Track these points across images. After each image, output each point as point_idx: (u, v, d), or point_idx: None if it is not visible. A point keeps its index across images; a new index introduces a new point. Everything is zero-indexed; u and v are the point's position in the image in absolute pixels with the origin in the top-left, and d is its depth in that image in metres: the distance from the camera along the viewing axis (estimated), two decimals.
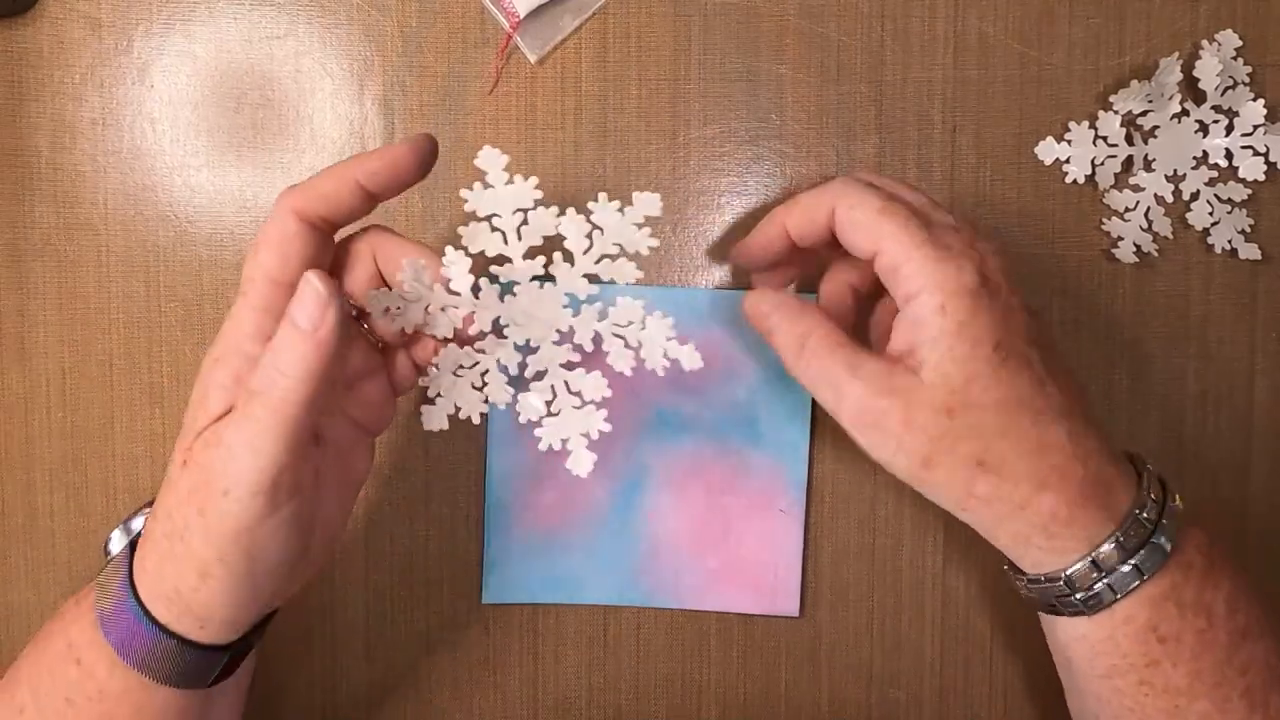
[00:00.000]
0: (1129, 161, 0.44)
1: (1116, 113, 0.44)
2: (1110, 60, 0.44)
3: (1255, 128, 0.43)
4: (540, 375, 0.37)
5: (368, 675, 0.46)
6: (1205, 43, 0.44)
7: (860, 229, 0.36)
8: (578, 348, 0.37)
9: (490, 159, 0.35)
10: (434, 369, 0.37)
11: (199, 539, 0.32)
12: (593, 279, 0.36)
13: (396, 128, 0.45)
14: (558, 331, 0.36)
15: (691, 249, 0.45)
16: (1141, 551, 0.35)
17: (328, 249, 0.35)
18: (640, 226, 0.36)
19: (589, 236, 0.36)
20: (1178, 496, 0.37)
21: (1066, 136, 0.44)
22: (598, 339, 0.37)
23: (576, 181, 0.45)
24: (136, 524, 0.40)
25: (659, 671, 0.46)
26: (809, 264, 0.42)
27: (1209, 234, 0.44)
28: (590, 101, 0.45)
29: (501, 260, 0.36)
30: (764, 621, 0.46)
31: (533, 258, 0.36)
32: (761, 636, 0.46)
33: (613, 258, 0.36)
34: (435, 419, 0.37)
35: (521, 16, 0.43)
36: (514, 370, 0.37)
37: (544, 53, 0.44)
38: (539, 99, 0.45)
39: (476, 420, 0.37)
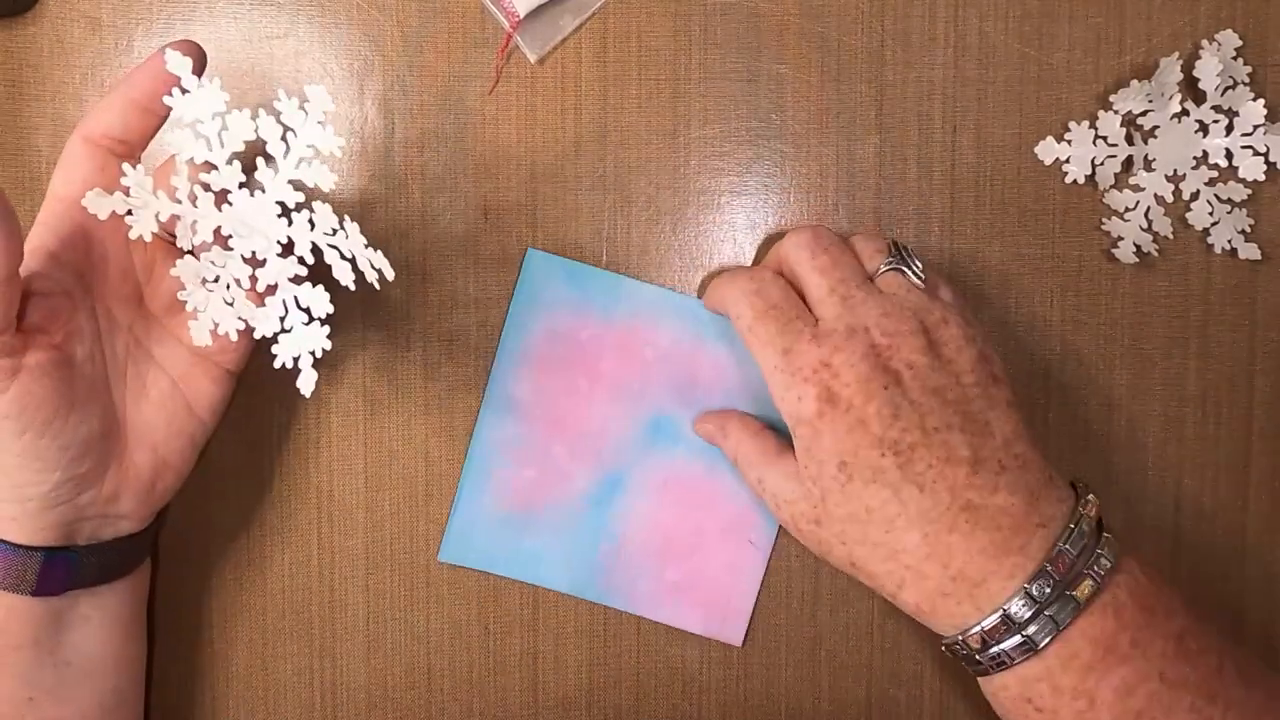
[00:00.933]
0: (1129, 161, 0.44)
1: (1116, 113, 0.44)
2: (1110, 60, 0.44)
3: (1255, 128, 0.43)
4: (272, 290, 0.36)
5: (368, 675, 0.46)
6: (1205, 43, 0.44)
7: (740, 336, 0.40)
8: (301, 260, 0.36)
9: (177, 62, 0.34)
10: (181, 266, 0.37)
11: (13, 448, 0.35)
12: (298, 186, 0.35)
13: (396, 128, 0.45)
14: (279, 244, 0.36)
15: (691, 249, 0.45)
16: (1007, 642, 0.36)
17: (111, 167, 0.37)
18: (322, 124, 0.35)
19: (284, 139, 0.35)
20: (1085, 584, 0.36)
21: (1066, 136, 0.44)
22: (317, 251, 0.36)
23: (576, 181, 0.45)
24: None
25: (659, 671, 0.46)
26: None
27: (1209, 234, 0.44)
28: (590, 101, 0.45)
29: (209, 167, 0.35)
30: (765, 622, 0.46)
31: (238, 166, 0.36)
32: (762, 636, 0.46)
33: (309, 162, 0.35)
34: (200, 334, 0.37)
35: (521, 16, 0.43)
36: (245, 284, 0.36)
37: (544, 53, 0.44)
38: (539, 99, 0.45)
39: (234, 337, 0.37)
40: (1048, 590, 0.36)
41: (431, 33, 0.44)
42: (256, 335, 0.37)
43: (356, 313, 0.45)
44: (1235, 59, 0.44)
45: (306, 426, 0.45)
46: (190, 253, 0.37)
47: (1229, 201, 0.44)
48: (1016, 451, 0.37)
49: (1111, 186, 0.44)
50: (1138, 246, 0.44)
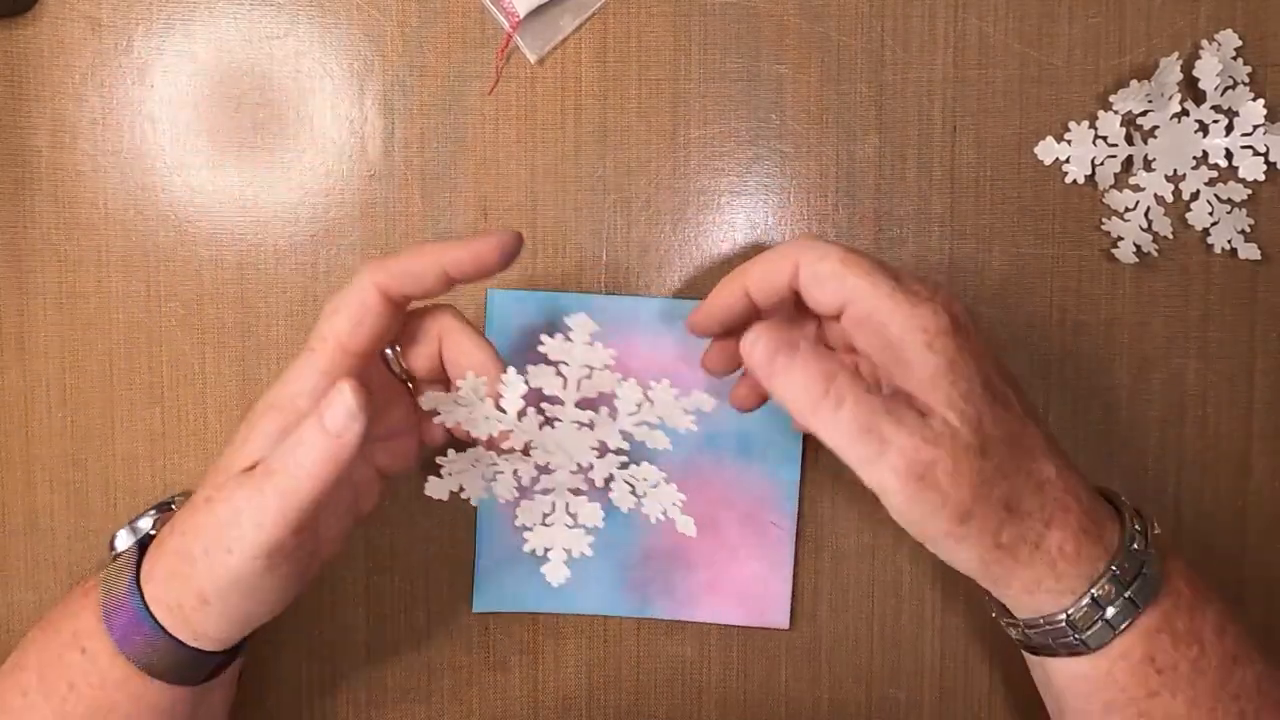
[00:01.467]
0: (1129, 161, 0.44)
1: (1116, 113, 0.44)
2: (1110, 60, 0.44)
3: (1255, 128, 0.43)
4: (547, 491, 0.40)
5: (368, 675, 0.46)
6: (1205, 43, 0.44)
7: (826, 282, 0.35)
8: (589, 481, 0.40)
9: (580, 324, 0.38)
10: (452, 452, 0.40)
11: (202, 573, 0.34)
12: (627, 436, 0.39)
13: (396, 128, 0.45)
14: (577, 464, 0.40)
15: (691, 249, 0.45)
16: (1135, 584, 0.35)
17: (398, 321, 0.37)
18: (688, 413, 0.38)
19: (638, 405, 0.38)
20: (1155, 524, 0.37)
21: (1066, 136, 0.44)
22: (610, 478, 0.40)
23: (576, 181, 0.45)
24: (143, 524, 0.43)
25: (659, 671, 0.46)
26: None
27: (1209, 234, 0.44)
28: (590, 101, 0.45)
29: (555, 401, 0.39)
30: None
31: (583, 407, 0.39)
32: (762, 637, 0.46)
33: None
34: (437, 489, 0.40)
35: (521, 16, 0.43)
36: (525, 481, 0.40)
37: (544, 53, 0.44)
38: (539, 99, 0.45)
39: (475, 503, 0.40)
40: (1140, 526, 0.36)
41: (431, 33, 0.44)
42: (516, 523, 0.40)
43: None
44: (1235, 59, 0.44)
45: None
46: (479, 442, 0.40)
47: (1229, 201, 0.44)
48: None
49: (1111, 186, 0.44)
50: (1138, 246, 0.44)
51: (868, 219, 0.45)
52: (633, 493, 0.40)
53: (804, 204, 0.45)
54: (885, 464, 0.33)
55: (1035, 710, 0.46)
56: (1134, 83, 0.43)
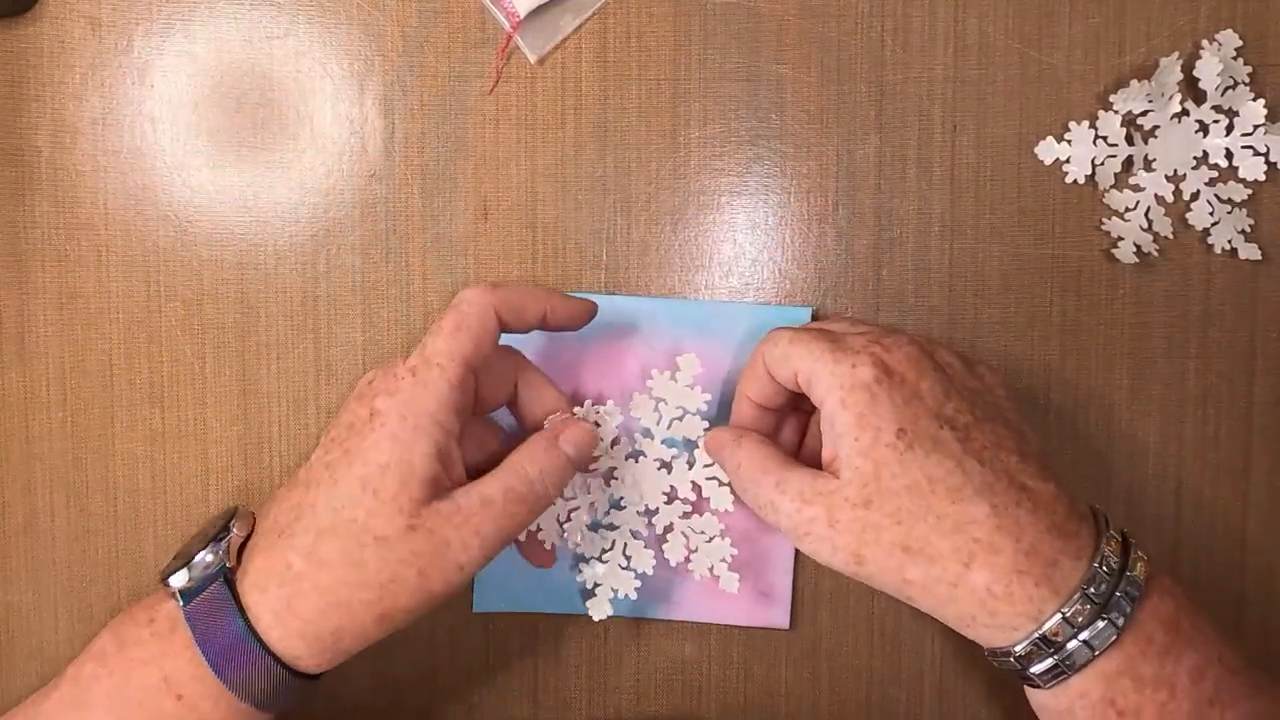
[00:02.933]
0: (1129, 161, 0.44)
1: (1116, 113, 0.44)
2: (1110, 60, 0.44)
3: (1255, 128, 0.43)
4: (613, 528, 0.44)
5: (368, 675, 0.46)
6: (1205, 43, 0.43)
7: (780, 363, 0.39)
8: (651, 526, 0.44)
9: (688, 364, 0.43)
10: None
11: (403, 607, 0.36)
12: (696, 488, 0.43)
13: (396, 128, 0.45)
14: (663, 494, 0.44)
15: (691, 249, 0.45)
16: (1090, 629, 0.34)
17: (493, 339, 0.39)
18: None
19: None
20: (1139, 565, 0.36)
21: (1066, 136, 0.44)
22: (696, 488, 0.44)
23: (576, 181, 0.45)
24: (204, 558, 0.38)
25: (659, 671, 0.46)
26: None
27: (1209, 234, 0.44)
28: (590, 101, 0.45)
29: (646, 434, 0.44)
30: None
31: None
32: (762, 636, 0.46)
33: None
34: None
35: (521, 16, 0.43)
36: (645, 531, 0.44)
37: (544, 53, 0.44)
38: (539, 99, 0.45)
39: (549, 546, 0.43)
40: (1114, 565, 0.35)
41: (431, 33, 0.44)
42: (579, 579, 0.44)
43: (356, 312, 0.45)
44: (1235, 59, 0.44)
45: (308, 427, 0.45)
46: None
47: (1229, 201, 0.44)
48: (1049, 462, 0.38)
49: (1111, 186, 0.44)
50: (1138, 246, 0.44)
51: (868, 219, 0.45)
52: (686, 545, 0.44)
53: (804, 204, 0.45)
54: (781, 527, 0.38)
55: (1034, 711, 0.46)
56: (1134, 83, 0.43)
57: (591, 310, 0.41)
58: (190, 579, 0.37)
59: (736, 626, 0.46)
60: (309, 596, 0.35)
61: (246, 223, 0.45)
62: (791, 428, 0.43)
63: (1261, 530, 0.46)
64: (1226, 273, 0.45)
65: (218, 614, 0.36)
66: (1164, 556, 0.46)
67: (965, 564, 0.35)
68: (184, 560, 0.38)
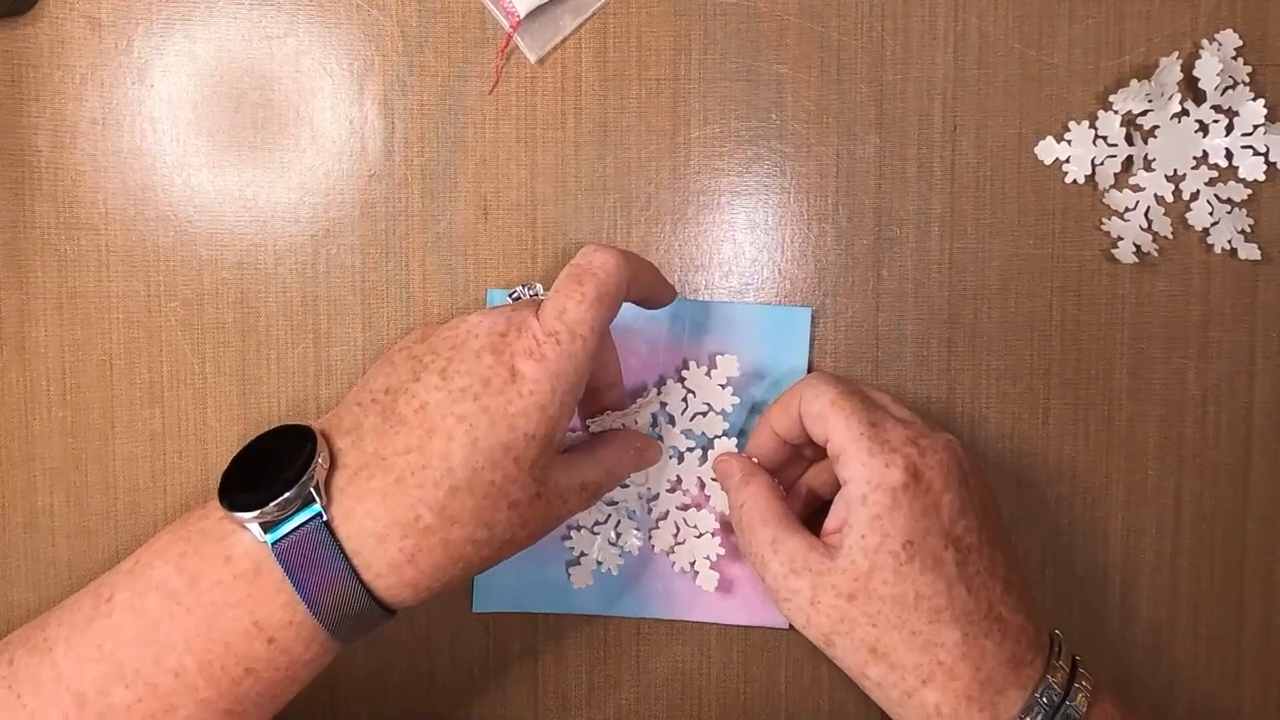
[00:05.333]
0: (1129, 161, 0.44)
1: (1116, 112, 0.44)
2: (1110, 60, 0.44)
3: (1255, 128, 0.43)
4: (612, 503, 0.44)
5: (368, 675, 0.46)
6: (1205, 42, 0.44)
7: (815, 420, 0.39)
8: (686, 492, 0.45)
9: (726, 364, 0.44)
10: (574, 534, 0.45)
11: (498, 561, 0.37)
12: (688, 434, 0.44)
13: (396, 128, 0.45)
14: (668, 481, 0.44)
15: (691, 249, 0.45)
16: None
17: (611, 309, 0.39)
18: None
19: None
20: (1080, 695, 0.37)
21: (1066, 136, 0.44)
22: (701, 483, 0.44)
23: (576, 181, 0.45)
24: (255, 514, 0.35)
25: (659, 671, 0.46)
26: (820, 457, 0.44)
27: (1209, 234, 0.44)
28: (590, 101, 0.45)
29: (670, 421, 0.45)
30: None
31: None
32: (762, 637, 0.46)
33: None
34: (581, 578, 0.45)
35: (521, 16, 0.43)
36: (641, 513, 0.45)
37: (544, 53, 0.44)
38: (539, 99, 0.45)
39: (615, 572, 0.45)
40: (1056, 697, 0.37)
41: (431, 33, 0.44)
42: (656, 550, 0.45)
43: (356, 312, 0.45)
44: (1235, 59, 0.44)
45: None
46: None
47: (1229, 201, 0.44)
48: (1026, 591, 0.39)
49: (1111, 186, 0.44)
50: (1138, 246, 0.44)
51: (868, 219, 0.45)
52: (675, 535, 0.44)
53: (804, 204, 0.45)
54: (764, 581, 0.39)
55: None
56: (1134, 82, 0.43)
57: (674, 294, 0.42)
58: (266, 514, 0.34)
59: (736, 626, 0.46)
60: (435, 552, 0.35)
61: (246, 223, 0.45)
62: (805, 460, 0.44)
63: (1261, 530, 0.46)
64: (1226, 273, 0.45)
65: (317, 559, 0.34)
66: (1164, 557, 0.46)
67: (923, 680, 0.37)
68: (265, 494, 0.34)
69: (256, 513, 0.34)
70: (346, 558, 0.34)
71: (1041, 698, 0.36)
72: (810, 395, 0.39)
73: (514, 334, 0.36)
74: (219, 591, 0.35)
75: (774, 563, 0.38)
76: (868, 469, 0.37)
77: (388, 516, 0.35)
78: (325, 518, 0.34)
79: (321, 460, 0.35)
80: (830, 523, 0.39)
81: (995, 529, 0.39)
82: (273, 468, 0.35)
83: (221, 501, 0.35)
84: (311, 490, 0.35)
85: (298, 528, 0.34)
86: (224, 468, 0.36)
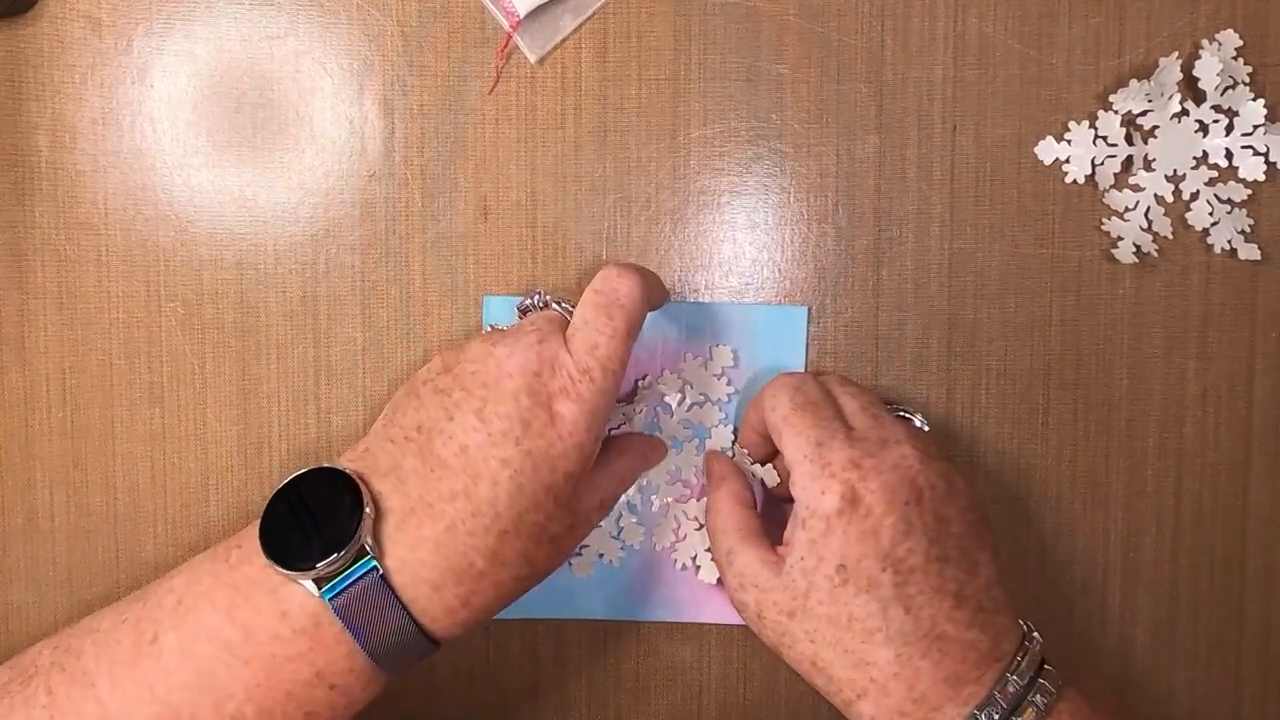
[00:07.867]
0: (1129, 161, 0.44)
1: (1116, 112, 0.44)
2: (1110, 60, 0.44)
3: (1255, 128, 0.43)
4: (665, 511, 0.45)
5: None
6: (1205, 42, 0.44)
7: (772, 430, 0.40)
8: (686, 484, 0.45)
9: (720, 355, 0.44)
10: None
11: (547, 569, 0.38)
12: (685, 425, 0.45)
13: (396, 128, 0.45)
14: (667, 473, 0.45)
15: (691, 249, 0.45)
16: None
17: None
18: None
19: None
20: (1029, 710, 0.36)
21: (1066, 136, 0.44)
22: (698, 472, 0.45)
23: (576, 181, 0.45)
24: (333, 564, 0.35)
25: (659, 671, 0.46)
26: None
27: (1209, 234, 0.44)
28: (590, 101, 0.45)
29: (667, 411, 0.45)
30: None
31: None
32: None
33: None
34: (582, 567, 0.45)
35: (521, 16, 0.43)
36: (642, 505, 0.45)
37: (544, 53, 0.44)
38: (539, 99, 0.45)
39: (616, 565, 0.45)
40: (1000, 715, 0.36)
41: (431, 33, 0.44)
42: (658, 548, 0.45)
43: (356, 312, 0.45)
44: (1235, 59, 0.44)
45: (307, 427, 0.45)
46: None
47: (1229, 201, 0.44)
48: (994, 594, 0.38)
49: (1111, 186, 0.44)
50: (1138, 246, 0.44)
51: (868, 219, 0.45)
52: (676, 530, 0.45)
53: (804, 204, 0.45)
54: (725, 586, 0.41)
55: None
56: (1134, 82, 0.43)
57: (669, 296, 0.43)
58: (319, 571, 0.34)
59: (736, 626, 0.46)
60: (486, 593, 0.36)
61: (246, 223, 0.45)
62: None
63: (1261, 530, 0.46)
64: (1226, 273, 0.45)
65: (376, 611, 0.34)
66: (1164, 556, 0.46)
67: (857, 695, 0.38)
68: (313, 548, 0.34)
69: (310, 570, 0.34)
70: (404, 607, 0.35)
71: (981, 715, 0.36)
72: (769, 405, 0.41)
73: (548, 373, 0.36)
74: (278, 645, 0.34)
75: (728, 574, 0.40)
76: (807, 493, 0.38)
77: (442, 565, 0.35)
78: (381, 571, 0.34)
79: (369, 510, 0.35)
80: (787, 532, 0.39)
81: (956, 543, 0.38)
82: (314, 516, 0.35)
83: (266, 552, 0.35)
84: (365, 544, 0.34)
85: (354, 582, 0.34)
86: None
